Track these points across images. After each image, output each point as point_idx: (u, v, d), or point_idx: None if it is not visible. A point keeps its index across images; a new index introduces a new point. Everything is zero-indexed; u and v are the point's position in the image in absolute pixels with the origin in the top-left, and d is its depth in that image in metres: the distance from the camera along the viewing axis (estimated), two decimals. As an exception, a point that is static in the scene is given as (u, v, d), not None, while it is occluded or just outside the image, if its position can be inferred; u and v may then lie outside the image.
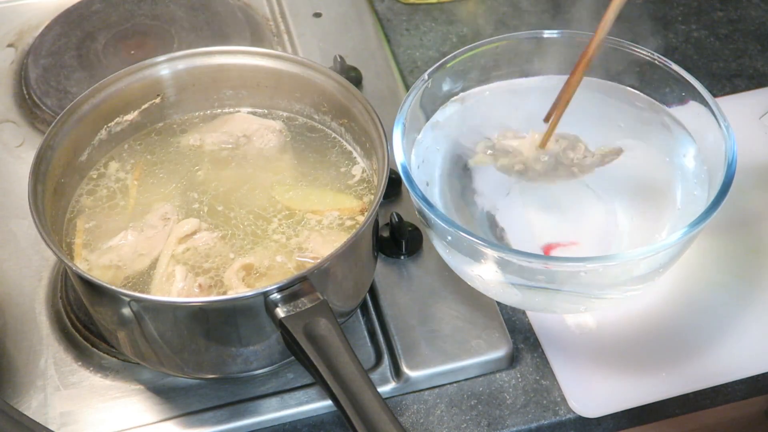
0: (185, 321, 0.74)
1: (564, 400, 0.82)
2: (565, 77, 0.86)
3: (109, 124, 0.86)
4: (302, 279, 0.71)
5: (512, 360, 0.84)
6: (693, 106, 0.85)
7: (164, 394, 0.81)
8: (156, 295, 0.77)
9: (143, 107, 0.88)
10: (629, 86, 0.89)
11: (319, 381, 0.69)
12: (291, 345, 0.71)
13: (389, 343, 0.84)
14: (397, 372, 0.82)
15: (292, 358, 0.79)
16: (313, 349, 0.69)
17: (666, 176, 0.86)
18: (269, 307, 0.71)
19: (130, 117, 0.88)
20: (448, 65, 0.88)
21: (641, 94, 0.89)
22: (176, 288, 0.77)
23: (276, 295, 0.71)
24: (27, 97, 1.05)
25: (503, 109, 0.91)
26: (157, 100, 0.89)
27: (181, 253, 0.79)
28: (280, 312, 0.71)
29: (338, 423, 0.81)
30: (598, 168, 0.86)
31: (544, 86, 0.90)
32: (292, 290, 0.71)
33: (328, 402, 0.80)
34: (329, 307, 0.71)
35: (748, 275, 0.89)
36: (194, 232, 0.81)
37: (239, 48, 0.88)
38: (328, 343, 0.70)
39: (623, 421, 0.83)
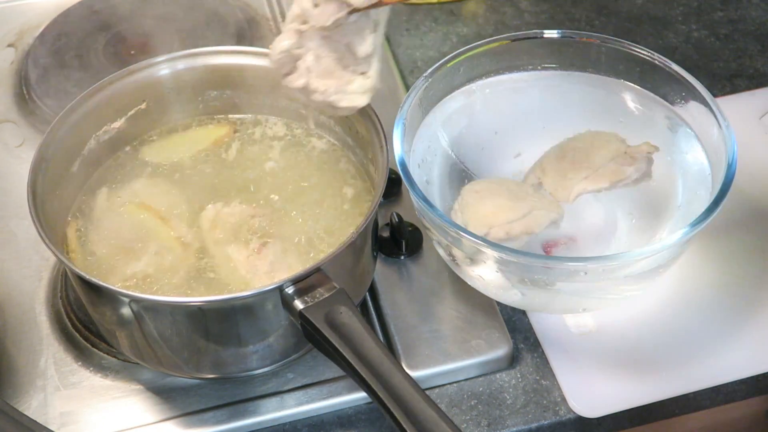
0: (188, 320, 0.74)
1: (564, 400, 0.82)
2: (565, 74, 0.86)
3: (97, 133, 0.86)
4: (316, 270, 0.72)
5: (512, 360, 0.84)
6: (693, 106, 0.85)
7: (164, 394, 0.81)
8: (156, 295, 0.77)
9: (137, 109, 0.88)
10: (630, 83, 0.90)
11: (346, 368, 0.69)
12: (312, 336, 0.71)
13: (389, 343, 0.84)
14: (397, 372, 0.82)
15: (292, 357, 0.79)
16: (338, 337, 0.69)
17: (667, 174, 0.86)
18: (286, 300, 0.71)
19: (117, 124, 0.87)
20: (448, 65, 0.88)
21: (643, 89, 0.89)
22: (243, 266, 0.78)
23: (291, 288, 0.71)
24: (27, 97, 1.05)
25: (503, 107, 0.91)
26: (157, 101, 0.89)
27: (221, 237, 0.80)
28: (299, 304, 0.71)
29: (338, 423, 0.81)
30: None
31: (544, 84, 0.90)
32: (307, 282, 0.71)
33: (328, 402, 0.81)
34: (347, 294, 0.71)
35: (748, 275, 0.89)
36: (217, 214, 0.81)
37: (239, 48, 0.88)
38: (351, 329, 0.70)
39: (623, 421, 0.83)
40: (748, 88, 1.06)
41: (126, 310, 0.73)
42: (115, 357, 0.83)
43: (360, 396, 0.81)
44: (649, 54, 0.88)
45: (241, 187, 0.86)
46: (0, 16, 1.15)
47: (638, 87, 0.89)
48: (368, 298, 0.87)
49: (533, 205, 0.81)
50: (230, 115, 0.91)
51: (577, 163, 0.83)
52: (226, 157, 0.88)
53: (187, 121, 0.91)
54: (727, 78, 1.07)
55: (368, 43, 0.75)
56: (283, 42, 0.77)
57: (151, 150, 0.89)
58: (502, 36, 0.90)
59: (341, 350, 0.69)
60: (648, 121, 0.89)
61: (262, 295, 0.72)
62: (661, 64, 0.87)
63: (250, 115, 0.91)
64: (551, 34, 0.90)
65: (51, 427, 0.77)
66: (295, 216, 0.83)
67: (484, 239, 0.76)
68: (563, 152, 0.84)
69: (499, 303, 0.86)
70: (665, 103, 0.88)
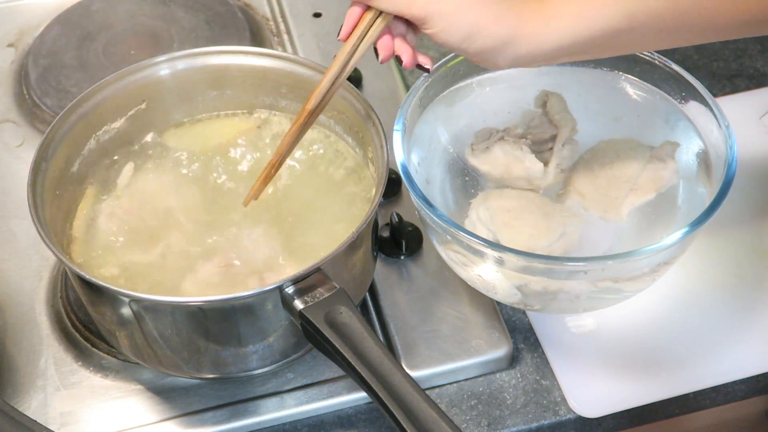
0: (188, 320, 0.74)
1: (564, 400, 0.82)
2: (566, 69, 0.86)
3: (97, 133, 0.86)
4: (316, 270, 0.72)
5: (512, 360, 0.84)
6: (693, 106, 0.85)
7: (164, 394, 0.81)
8: (156, 295, 0.77)
9: (137, 109, 0.88)
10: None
11: (346, 368, 0.69)
12: (312, 335, 0.71)
13: (389, 343, 0.84)
14: (397, 372, 0.82)
15: (292, 357, 0.79)
16: (337, 336, 0.70)
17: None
18: (286, 300, 0.71)
19: (117, 124, 0.87)
20: (448, 65, 0.88)
21: (643, 86, 0.89)
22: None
23: (291, 288, 0.71)
24: (27, 97, 1.05)
25: (503, 104, 0.91)
26: (157, 101, 0.89)
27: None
28: (299, 304, 0.71)
29: (338, 423, 0.81)
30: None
31: (543, 82, 0.90)
32: (307, 282, 0.72)
33: (328, 402, 0.81)
34: (347, 294, 0.71)
35: (748, 275, 0.89)
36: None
37: (239, 48, 0.88)
38: (351, 329, 0.70)
39: (623, 421, 0.83)
40: (748, 88, 1.06)
41: (126, 310, 0.73)
42: (115, 357, 0.83)
43: (360, 396, 0.81)
44: (649, 54, 0.88)
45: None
46: (0, 16, 1.15)
47: (638, 83, 0.89)
48: (368, 298, 0.87)
49: (563, 221, 0.82)
50: (240, 111, 0.91)
51: (614, 179, 0.83)
52: (242, 156, 0.88)
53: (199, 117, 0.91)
54: (727, 78, 1.07)
55: None
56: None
57: (173, 136, 0.89)
58: (502, 36, 0.90)
59: (341, 350, 0.69)
60: (648, 118, 0.89)
61: (262, 295, 0.72)
62: (660, 64, 0.87)
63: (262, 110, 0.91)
64: (551, 33, 0.90)
65: (51, 427, 0.77)
66: (306, 229, 0.83)
67: (483, 239, 0.76)
68: (592, 171, 0.84)
69: (499, 303, 0.86)
70: (666, 99, 0.88)
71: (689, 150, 0.86)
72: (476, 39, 0.70)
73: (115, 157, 0.87)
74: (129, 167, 0.86)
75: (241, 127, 0.90)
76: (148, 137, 0.89)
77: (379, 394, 0.67)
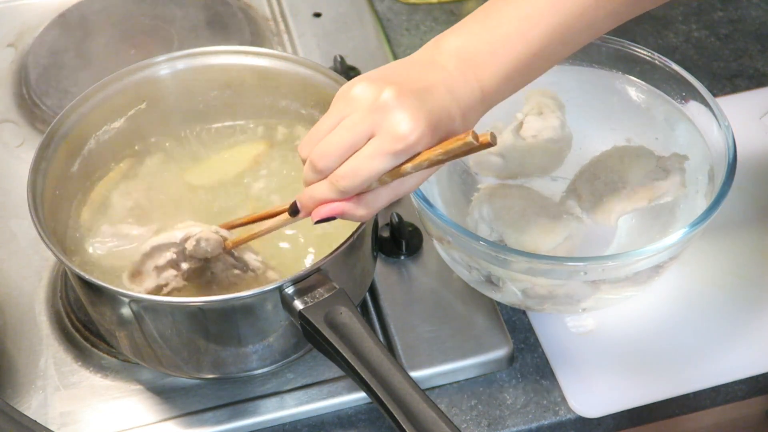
0: (188, 321, 0.73)
1: (564, 400, 0.82)
2: (567, 69, 0.86)
3: (97, 133, 0.86)
4: (316, 270, 0.72)
5: (512, 360, 0.84)
6: (693, 105, 0.85)
7: (164, 394, 0.81)
8: (156, 296, 0.77)
9: (137, 109, 0.88)
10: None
11: (345, 368, 0.69)
12: (312, 336, 0.71)
13: (389, 343, 0.84)
14: (397, 372, 0.82)
15: (292, 357, 0.79)
16: (337, 337, 0.69)
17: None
18: (286, 300, 0.71)
19: (117, 124, 0.87)
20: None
21: (644, 86, 0.89)
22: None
23: (291, 288, 0.71)
24: (27, 97, 1.05)
25: (503, 104, 0.90)
26: (157, 101, 0.89)
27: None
28: (299, 304, 0.71)
29: (338, 423, 0.81)
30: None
31: (543, 81, 0.89)
32: (306, 282, 0.71)
33: (328, 402, 0.81)
34: (347, 294, 0.71)
35: (748, 275, 0.89)
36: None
37: (239, 48, 0.88)
38: (351, 330, 0.70)
39: (623, 421, 0.83)
40: (748, 88, 1.06)
41: (126, 310, 0.73)
42: (115, 357, 0.83)
43: (360, 396, 0.81)
44: (649, 54, 0.88)
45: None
46: (0, 16, 1.15)
47: (638, 83, 0.89)
48: (368, 298, 0.87)
49: (568, 222, 0.82)
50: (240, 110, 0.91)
51: (611, 184, 0.82)
52: (254, 180, 0.89)
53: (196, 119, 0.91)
54: (727, 78, 1.07)
55: None
56: None
57: (192, 173, 0.89)
58: (502, 36, 0.90)
59: (341, 350, 0.69)
60: (648, 117, 0.89)
61: (262, 296, 0.72)
62: (661, 64, 0.87)
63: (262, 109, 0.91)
64: (551, 33, 0.90)
65: (51, 427, 0.77)
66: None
67: (483, 239, 0.76)
68: (595, 173, 0.84)
69: (499, 303, 0.86)
70: (666, 99, 0.88)
71: (688, 152, 0.86)
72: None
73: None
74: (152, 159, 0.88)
75: (256, 152, 0.90)
76: (167, 174, 0.89)
77: (379, 394, 0.67)
